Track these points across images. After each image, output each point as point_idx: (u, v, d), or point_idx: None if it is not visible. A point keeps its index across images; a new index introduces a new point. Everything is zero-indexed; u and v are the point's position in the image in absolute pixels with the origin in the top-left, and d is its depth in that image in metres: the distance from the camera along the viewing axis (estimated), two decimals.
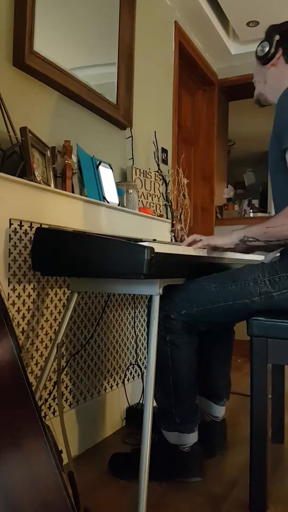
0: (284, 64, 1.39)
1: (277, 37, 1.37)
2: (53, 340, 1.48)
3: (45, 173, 1.54)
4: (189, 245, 1.42)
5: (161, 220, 2.24)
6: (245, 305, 1.30)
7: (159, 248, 1.14)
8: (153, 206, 2.34)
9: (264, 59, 1.40)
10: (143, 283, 1.26)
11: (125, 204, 2.03)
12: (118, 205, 1.92)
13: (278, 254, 1.37)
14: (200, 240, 1.43)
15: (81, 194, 1.72)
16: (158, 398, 1.43)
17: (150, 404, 1.18)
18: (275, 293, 1.27)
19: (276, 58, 1.39)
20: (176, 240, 2.48)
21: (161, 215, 2.35)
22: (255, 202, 3.92)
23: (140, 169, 2.29)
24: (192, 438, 1.42)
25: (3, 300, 0.98)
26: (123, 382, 1.93)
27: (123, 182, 2.13)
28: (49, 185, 1.54)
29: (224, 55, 3.50)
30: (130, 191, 2.07)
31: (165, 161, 2.75)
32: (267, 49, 1.38)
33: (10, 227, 1.31)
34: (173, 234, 2.46)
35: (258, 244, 1.31)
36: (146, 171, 2.33)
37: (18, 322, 1.36)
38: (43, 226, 1.41)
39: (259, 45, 1.42)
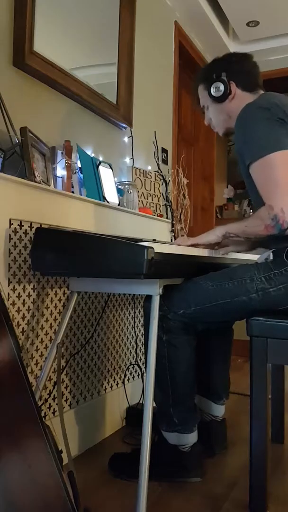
0: (241, 92, 1.48)
1: (224, 74, 1.46)
2: (53, 340, 1.48)
3: (45, 173, 1.54)
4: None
5: (161, 220, 2.24)
6: (243, 302, 1.31)
7: (159, 248, 1.14)
8: (153, 206, 2.34)
9: (223, 97, 1.48)
10: (143, 283, 1.27)
11: (125, 204, 2.03)
12: (118, 205, 1.92)
13: (271, 255, 1.39)
14: (188, 240, 1.49)
15: (81, 194, 1.72)
16: (157, 398, 1.43)
17: (150, 404, 1.18)
18: (272, 289, 1.29)
19: (234, 91, 1.47)
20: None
21: (161, 215, 2.35)
22: None
23: (140, 169, 2.29)
24: (191, 438, 1.42)
25: (3, 300, 0.98)
26: (123, 382, 1.93)
27: (123, 182, 2.13)
28: (49, 185, 1.54)
29: None
30: (130, 191, 2.07)
31: (165, 161, 2.74)
32: (222, 87, 1.47)
33: (10, 227, 1.31)
34: (173, 234, 2.46)
35: (239, 239, 1.45)
36: (146, 171, 2.33)
37: (18, 322, 1.36)
38: (43, 226, 1.41)
39: (209, 88, 1.48)
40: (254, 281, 1.30)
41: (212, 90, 1.48)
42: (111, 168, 1.96)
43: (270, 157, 1.25)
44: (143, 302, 1.47)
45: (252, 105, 1.34)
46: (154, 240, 1.18)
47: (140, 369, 2.07)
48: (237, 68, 1.48)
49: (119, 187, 2.04)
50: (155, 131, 2.61)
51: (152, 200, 2.35)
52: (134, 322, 2.03)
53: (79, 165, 1.76)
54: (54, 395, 1.51)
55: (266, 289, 1.29)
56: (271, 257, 1.38)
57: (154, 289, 1.25)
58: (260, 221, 1.28)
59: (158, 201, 2.40)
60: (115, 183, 1.97)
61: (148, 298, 1.36)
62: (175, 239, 2.48)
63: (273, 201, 1.24)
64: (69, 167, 1.65)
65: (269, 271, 1.30)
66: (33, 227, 1.39)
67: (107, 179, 1.88)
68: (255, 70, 1.50)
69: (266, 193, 1.27)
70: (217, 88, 1.47)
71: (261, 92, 1.48)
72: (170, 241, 2.32)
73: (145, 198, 2.29)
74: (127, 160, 2.30)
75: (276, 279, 1.29)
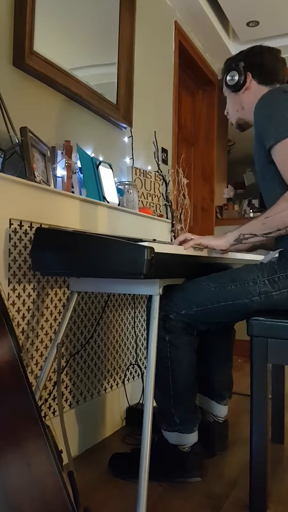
0: (257, 85, 1.45)
1: (242, 64, 1.45)
2: (53, 340, 1.48)
3: (45, 173, 1.54)
4: (180, 244, 1.41)
5: (161, 220, 2.24)
6: (245, 304, 1.30)
7: (159, 248, 1.14)
8: (153, 206, 2.34)
9: (237, 87, 1.46)
10: (143, 283, 1.27)
11: (125, 204, 2.03)
12: (118, 205, 1.92)
13: (277, 255, 1.38)
14: (191, 239, 1.41)
15: (81, 194, 1.72)
16: (158, 398, 1.43)
17: (150, 404, 1.18)
18: (275, 293, 1.27)
19: (248, 82, 1.45)
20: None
21: (161, 215, 2.35)
22: (255, 202, 3.91)
23: (140, 169, 2.29)
24: (192, 438, 1.42)
25: (3, 300, 0.98)
26: (123, 382, 1.93)
27: (123, 182, 2.13)
28: (49, 185, 1.54)
29: (224, 55, 3.46)
30: (130, 191, 2.07)
31: (165, 161, 2.74)
32: (237, 77, 1.45)
33: (10, 227, 1.31)
34: (173, 234, 2.46)
35: (255, 240, 1.29)
36: (146, 171, 2.33)
37: (18, 322, 1.36)
38: (43, 226, 1.41)
39: (226, 76, 1.48)
40: (257, 284, 1.29)
41: (228, 78, 1.47)
42: (111, 168, 1.96)
43: None
44: (147, 302, 1.46)
45: (274, 90, 1.31)
46: (154, 240, 1.18)
47: (140, 369, 2.07)
48: (256, 60, 1.45)
49: (119, 187, 2.04)
50: (155, 131, 2.61)
51: (152, 200, 2.35)
52: (134, 322, 2.03)
53: (79, 165, 1.76)
54: (54, 395, 1.51)
55: (269, 293, 1.28)
56: (277, 257, 1.37)
57: (154, 289, 1.25)
58: (286, 204, 1.19)
59: (158, 201, 2.40)
60: (115, 183, 1.97)
61: (151, 298, 1.35)
62: (175, 239, 2.48)
63: None
64: (69, 167, 1.65)
65: (273, 274, 1.28)
66: (33, 227, 1.39)
67: (107, 179, 1.88)
68: (277, 65, 1.46)
69: None
70: (232, 77, 1.46)
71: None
72: (170, 241, 2.32)
73: (145, 198, 2.29)
74: (127, 160, 2.30)
75: (280, 282, 1.27)
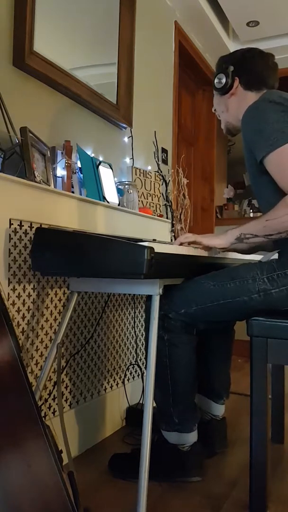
0: (243, 91, 1.46)
1: (231, 68, 1.45)
2: (53, 340, 1.48)
3: (45, 173, 1.54)
4: (180, 244, 1.41)
5: (161, 220, 2.24)
6: (244, 302, 1.30)
7: (159, 248, 1.14)
8: (153, 206, 2.34)
9: (223, 90, 1.47)
10: (143, 283, 1.26)
11: (125, 204, 2.03)
12: (118, 205, 1.92)
13: (276, 255, 1.38)
14: (193, 241, 1.43)
15: (81, 194, 1.72)
16: (157, 398, 1.43)
17: (150, 404, 1.18)
18: (274, 291, 1.28)
19: (235, 88, 1.46)
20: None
21: (161, 215, 2.35)
22: (255, 202, 3.91)
23: (140, 169, 2.29)
24: (191, 437, 1.42)
25: (3, 300, 0.98)
26: (123, 382, 1.93)
27: (123, 182, 2.13)
28: (49, 185, 1.54)
29: None
30: (130, 191, 2.07)
31: (165, 161, 2.74)
32: (224, 80, 1.45)
33: (10, 227, 1.31)
34: (173, 234, 2.46)
35: (256, 240, 1.29)
36: (146, 171, 2.33)
37: (18, 322, 1.36)
38: (43, 226, 1.41)
39: (214, 77, 1.48)
40: (256, 282, 1.29)
41: (215, 81, 1.47)
42: (111, 168, 1.96)
43: (286, 146, 1.20)
44: (145, 302, 1.46)
45: (262, 100, 1.30)
46: (154, 240, 1.18)
47: (140, 369, 2.07)
48: (246, 66, 1.45)
49: (119, 187, 2.04)
50: (155, 131, 2.61)
51: (152, 200, 2.35)
52: (134, 322, 2.03)
53: (79, 165, 1.76)
54: (54, 395, 1.51)
55: (268, 290, 1.28)
56: (276, 257, 1.37)
57: (154, 289, 1.25)
58: (286, 209, 1.20)
59: (158, 201, 2.40)
60: (115, 183, 1.97)
61: (150, 297, 1.36)
62: (175, 239, 2.48)
63: None
64: (69, 167, 1.65)
65: (272, 272, 1.29)
66: (33, 227, 1.39)
67: (107, 179, 1.88)
68: (267, 71, 1.45)
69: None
70: (220, 80, 1.46)
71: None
72: (170, 241, 2.32)
73: (145, 198, 2.29)
74: (127, 160, 2.30)
75: (279, 280, 1.27)
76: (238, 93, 1.46)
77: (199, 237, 1.42)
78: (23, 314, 1.38)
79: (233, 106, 1.46)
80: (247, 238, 1.30)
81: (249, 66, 1.45)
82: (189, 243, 1.42)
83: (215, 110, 1.58)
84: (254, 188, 1.41)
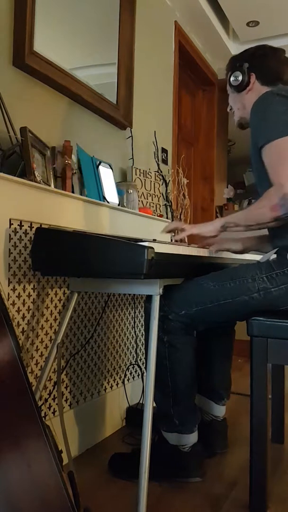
0: (260, 86, 1.47)
1: (246, 65, 1.46)
2: (53, 340, 1.48)
3: (45, 173, 1.54)
4: (169, 232, 1.43)
5: (161, 220, 2.24)
6: (245, 302, 1.31)
7: (159, 248, 1.14)
8: (153, 206, 2.34)
9: (240, 87, 1.48)
10: (143, 283, 1.26)
11: (125, 204, 2.03)
12: (118, 205, 1.92)
13: (274, 255, 1.39)
14: (182, 229, 1.46)
15: (81, 194, 1.72)
16: (157, 399, 1.43)
17: (150, 404, 1.18)
18: (273, 289, 1.28)
19: (252, 84, 1.47)
20: (176, 240, 2.48)
21: (161, 215, 2.35)
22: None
23: (140, 169, 2.29)
24: (192, 438, 1.42)
25: (3, 300, 0.98)
26: (123, 382, 1.93)
27: (123, 182, 2.13)
28: (49, 185, 1.54)
29: (224, 55, 3.49)
30: (130, 191, 2.07)
31: (165, 161, 2.74)
32: (240, 77, 1.47)
33: (10, 227, 1.31)
34: (173, 234, 2.46)
35: (239, 230, 1.34)
36: (146, 171, 2.33)
37: (18, 322, 1.36)
38: (43, 226, 1.41)
39: (229, 76, 1.50)
40: (256, 281, 1.30)
41: (231, 79, 1.48)
42: (111, 168, 1.96)
43: (285, 139, 1.22)
44: (144, 303, 1.46)
45: (270, 92, 1.33)
46: (154, 240, 1.18)
47: (140, 369, 2.07)
48: (260, 62, 1.47)
49: (119, 187, 2.04)
50: (155, 131, 2.61)
51: (152, 200, 2.35)
52: (134, 322, 2.03)
53: (79, 165, 1.76)
54: (54, 395, 1.51)
55: (268, 289, 1.29)
56: (274, 256, 1.38)
57: (154, 289, 1.25)
58: (267, 201, 1.22)
59: (158, 201, 2.40)
60: (115, 183, 1.97)
61: (149, 298, 1.36)
62: (174, 238, 2.48)
63: (284, 178, 1.19)
64: (69, 167, 1.65)
65: (271, 271, 1.30)
66: (33, 227, 1.39)
67: (107, 179, 1.88)
68: (281, 66, 1.47)
69: (277, 172, 1.22)
70: (236, 77, 1.47)
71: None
72: (170, 241, 2.32)
73: (145, 198, 2.29)
74: (127, 160, 2.30)
75: (278, 279, 1.28)
76: (255, 88, 1.46)
77: (190, 228, 1.45)
78: (23, 314, 1.38)
79: (250, 102, 1.45)
80: (231, 227, 1.36)
81: (263, 62, 1.47)
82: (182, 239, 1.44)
83: (230, 108, 1.58)
84: (255, 177, 1.42)
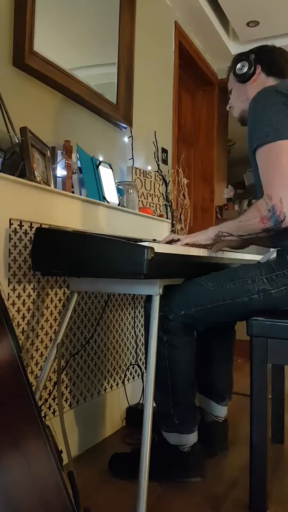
0: (265, 77, 1.46)
1: (252, 56, 1.45)
2: (53, 340, 1.48)
3: (45, 173, 1.54)
4: (167, 243, 1.43)
5: (161, 220, 2.24)
6: (244, 303, 1.31)
7: (159, 248, 1.14)
8: (153, 206, 2.34)
9: (245, 77, 1.47)
10: (143, 283, 1.26)
11: (125, 204, 2.03)
12: (118, 205, 1.92)
13: (274, 255, 1.39)
14: (178, 239, 1.45)
15: (81, 194, 1.72)
16: (157, 399, 1.43)
17: (150, 404, 1.18)
18: (273, 291, 1.28)
19: (257, 74, 1.46)
20: None
21: (161, 215, 2.35)
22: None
23: (140, 169, 2.29)
24: (192, 438, 1.42)
25: (3, 300, 0.98)
26: (123, 382, 1.93)
27: (123, 182, 2.13)
28: (49, 185, 1.54)
29: (224, 55, 3.50)
30: (130, 191, 2.07)
31: (165, 161, 2.74)
32: (246, 67, 1.46)
33: (10, 227, 1.31)
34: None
35: (231, 239, 1.34)
36: (146, 171, 2.33)
37: (18, 322, 1.36)
38: (43, 226, 1.41)
39: (236, 65, 1.48)
40: (256, 282, 1.29)
41: (237, 67, 1.47)
42: (111, 168, 1.95)
43: (278, 143, 1.21)
44: (144, 303, 1.46)
45: (269, 88, 1.32)
46: (154, 240, 1.18)
47: (140, 369, 2.07)
48: (267, 55, 1.47)
49: (119, 187, 2.04)
50: (155, 131, 2.61)
51: (152, 200, 2.35)
52: (134, 322, 2.03)
53: (79, 165, 1.76)
54: (54, 395, 1.51)
55: (268, 290, 1.28)
56: (274, 257, 1.38)
57: (154, 289, 1.25)
58: (256, 212, 1.22)
59: (158, 201, 2.40)
60: (115, 183, 1.97)
61: (149, 298, 1.36)
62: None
63: (273, 189, 1.19)
64: (69, 167, 1.65)
65: (271, 272, 1.29)
66: (33, 227, 1.39)
67: (107, 179, 1.88)
68: (286, 65, 1.47)
69: (267, 180, 1.22)
70: (242, 67, 1.46)
71: None
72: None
73: (145, 198, 2.29)
74: (127, 160, 2.30)
75: (278, 280, 1.28)
76: (259, 79, 1.46)
77: (184, 238, 1.44)
78: (23, 314, 1.38)
79: (253, 93, 1.43)
80: (224, 236, 1.35)
81: (270, 56, 1.47)
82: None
83: (230, 106, 1.57)
84: (254, 176, 1.40)
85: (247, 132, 1.34)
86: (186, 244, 1.41)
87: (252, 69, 1.45)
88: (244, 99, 1.49)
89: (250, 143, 1.31)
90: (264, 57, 1.46)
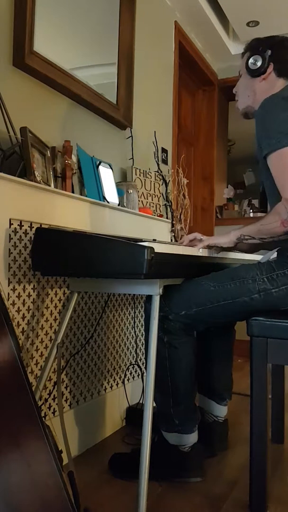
0: (275, 77, 1.45)
1: (269, 52, 1.43)
2: (53, 340, 1.48)
3: (45, 173, 1.54)
4: (189, 243, 1.44)
5: (161, 220, 2.24)
6: (245, 303, 1.31)
7: (159, 248, 1.14)
8: (153, 206, 2.34)
9: (256, 73, 1.45)
10: (143, 283, 1.26)
11: (125, 204, 2.03)
12: (118, 205, 1.92)
13: (275, 255, 1.39)
14: (201, 239, 1.47)
15: (81, 194, 1.72)
16: (157, 399, 1.43)
17: (150, 404, 1.18)
18: (274, 290, 1.28)
19: (268, 73, 1.45)
20: (176, 240, 2.48)
21: (161, 215, 2.35)
22: (255, 202, 3.91)
23: (140, 169, 2.29)
24: (191, 438, 1.42)
25: (3, 300, 0.98)
26: (123, 382, 1.93)
27: (123, 182, 2.13)
28: (49, 185, 1.54)
29: (224, 55, 3.50)
30: (130, 191, 2.07)
31: (165, 161, 2.74)
32: (259, 63, 1.44)
33: (10, 227, 1.31)
34: (173, 234, 2.46)
35: (253, 241, 1.35)
36: (146, 171, 2.33)
37: (18, 322, 1.36)
38: (43, 226, 1.41)
39: (248, 57, 1.47)
40: (256, 282, 1.30)
41: (250, 61, 1.45)
42: (111, 168, 1.95)
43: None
44: (144, 303, 1.46)
45: (277, 95, 1.32)
46: (154, 240, 1.18)
47: (140, 369, 2.07)
48: (282, 54, 1.44)
49: (119, 187, 2.04)
50: (155, 131, 2.61)
51: (152, 200, 2.35)
52: (134, 322, 2.03)
53: (79, 165, 1.76)
54: (54, 395, 1.51)
55: (268, 290, 1.29)
56: (276, 257, 1.38)
57: (154, 289, 1.25)
58: (277, 217, 1.24)
59: (158, 201, 2.40)
60: (115, 183, 1.97)
61: (149, 299, 1.36)
62: (175, 239, 2.48)
63: None
64: (69, 167, 1.65)
65: (271, 272, 1.30)
66: (33, 227, 1.39)
67: (107, 179, 1.88)
68: None
69: (283, 186, 1.23)
70: (255, 61, 1.45)
71: None
72: (170, 241, 2.32)
73: (145, 198, 2.29)
74: (127, 160, 2.30)
75: (278, 279, 1.28)
76: (269, 78, 1.44)
77: (207, 239, 1.45)
78: (23, 314, 1.38)
79: (261, 91, 1.44)
80: (246, 239, 1.36)
81: (285, 55, 1.44)
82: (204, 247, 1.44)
83: (236, 91, 1.55)
84: (265, 182, 1.41)
85: (255, 138, 1.34)
86: (207, 246, 1.43)
87: (265, 66, 1.43)
88: (251, 94, 1.48)
89: (260, 149, 1.32)
90: (280, 57, 1.44)
